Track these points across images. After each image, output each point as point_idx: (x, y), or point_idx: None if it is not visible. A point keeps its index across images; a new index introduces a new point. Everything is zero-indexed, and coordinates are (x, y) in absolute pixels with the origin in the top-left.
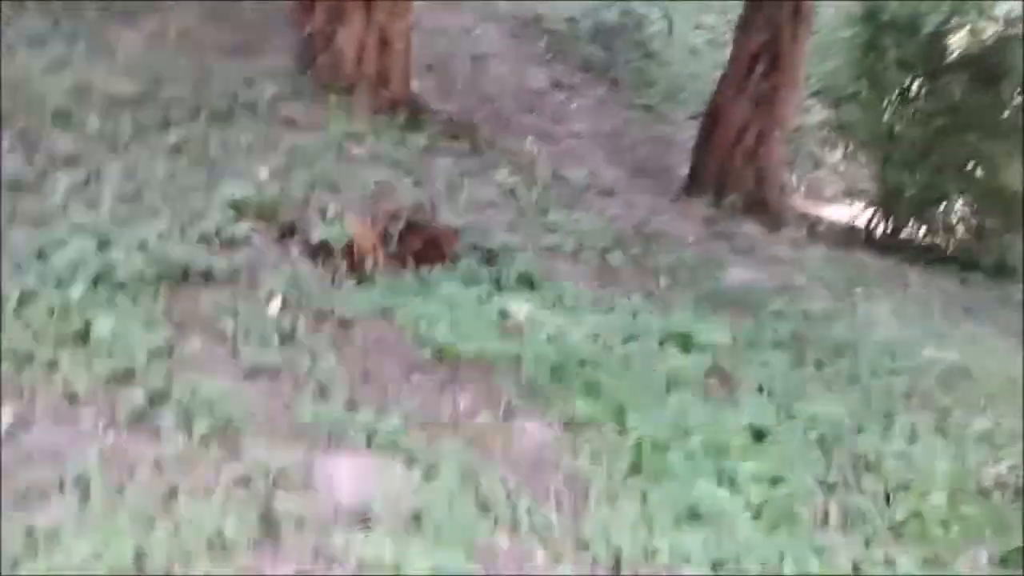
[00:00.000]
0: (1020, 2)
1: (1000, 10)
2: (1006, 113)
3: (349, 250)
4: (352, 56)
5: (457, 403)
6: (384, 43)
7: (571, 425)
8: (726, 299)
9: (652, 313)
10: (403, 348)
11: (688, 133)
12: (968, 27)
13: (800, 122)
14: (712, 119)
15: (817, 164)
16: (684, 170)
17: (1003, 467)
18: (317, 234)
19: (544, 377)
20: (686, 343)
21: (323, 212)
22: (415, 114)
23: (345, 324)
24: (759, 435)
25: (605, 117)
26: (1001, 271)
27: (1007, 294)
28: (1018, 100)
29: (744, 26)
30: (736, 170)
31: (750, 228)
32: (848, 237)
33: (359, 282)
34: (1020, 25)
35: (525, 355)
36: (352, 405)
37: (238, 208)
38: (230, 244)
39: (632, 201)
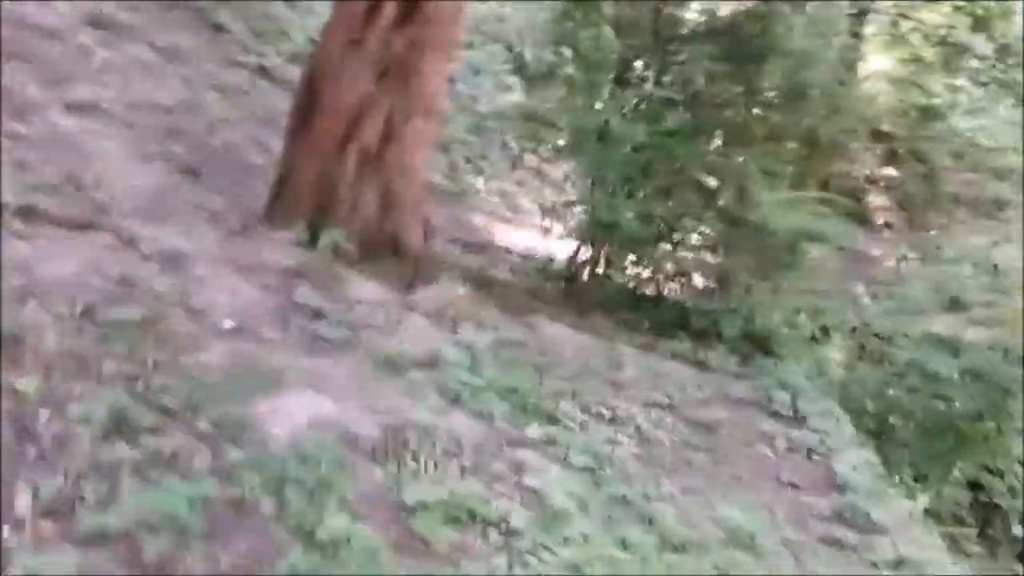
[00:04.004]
0: None
1: None
2: (763, 110)
3: None
4: None
5: None
6: None
7: None
8: (212, 499)
9: None
10: None
11: None
12: None
13: (491, 106)
14: (308, 96)
15: (515, 165)
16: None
17: None
18: None
19: None
20: None
21: None
22: None
23: None
24: None
25: (173, 80)
26: (752, 342)
27: (762, 388)
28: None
29: None
30: (347, 184)
31: (365, 290)
32: (541, 287)
33: None
34: None
35: None
36: None
37: None
38: None
39: (139, 236)
